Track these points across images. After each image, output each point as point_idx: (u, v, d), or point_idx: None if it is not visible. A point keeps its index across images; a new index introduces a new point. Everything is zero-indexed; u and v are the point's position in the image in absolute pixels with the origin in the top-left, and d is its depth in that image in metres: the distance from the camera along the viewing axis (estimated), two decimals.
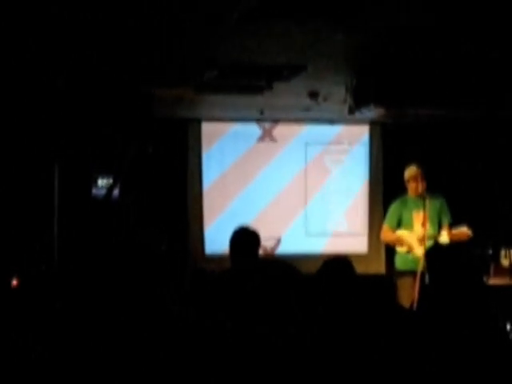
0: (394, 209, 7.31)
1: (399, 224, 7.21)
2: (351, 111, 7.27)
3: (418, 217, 7.05)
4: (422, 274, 6.45)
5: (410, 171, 7.13)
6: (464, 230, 6.82)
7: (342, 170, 9.47)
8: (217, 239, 8.83)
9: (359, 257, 8.61)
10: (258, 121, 9.24)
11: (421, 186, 7.03)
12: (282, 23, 5.13)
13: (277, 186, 9.34)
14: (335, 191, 9.45)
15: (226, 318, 3.24)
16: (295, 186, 9.37)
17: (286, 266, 3.03)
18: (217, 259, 8.36)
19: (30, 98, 7.13)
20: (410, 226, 7.11)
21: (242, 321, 2.78)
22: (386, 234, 7.37)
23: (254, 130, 9.32)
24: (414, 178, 7.07)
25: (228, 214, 9.19)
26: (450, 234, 6.86)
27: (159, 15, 4.95)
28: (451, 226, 7.03)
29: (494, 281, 7.18)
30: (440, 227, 7.06)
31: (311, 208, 9.40)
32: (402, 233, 7.16)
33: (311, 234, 9.37)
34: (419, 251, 6.86)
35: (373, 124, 9.31)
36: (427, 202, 6.96)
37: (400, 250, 7.20)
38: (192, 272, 8.77)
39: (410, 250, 7.03)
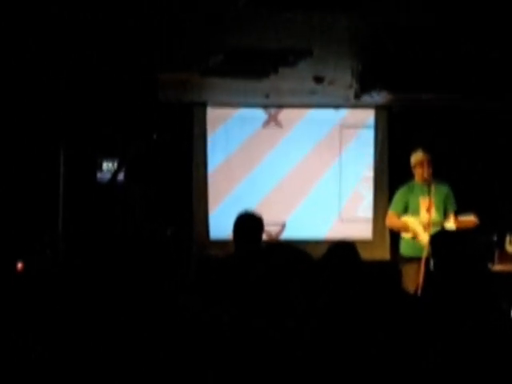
0: (400, 194, 7.30)
1: (405, 210, 7.20)
2: (357, 96, 7.25)
3: (424, 203, 7.04)
4: (427, 260, 6.44)
5: (417, 157, 7.11)
6: (471, 218, 6.80)
7: (347, 155, 9.44)
8: (221, 224, 8.83)
9: (364, 243, 8.59)
10: (264, 106, 9.21)
11: (427, 172, 7.00)
12: (287, 10, 5.11)
13: (282, 171, 9.32)
14: (340, 176, 9.42)
15: (224, 309, 3.23)
16: (300, 171, 9.34)
17: (292, 252, 3.01)
18: (221, 244, 8.36)
19: (34, 83, 7.12)
20: (416, 212, 7.10)
21: (240, 312, 2.77)
22: (392, 219, 7.35)
23: (259, 114, 9.30)
24: (420, 164, 7.05)
25: (233, 198, 9.18)
26: (456, 220, 6.84)
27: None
28: (456, 213, 7.01)
29: (498, 267, 7.17)
30: (446, 214, 7.05)
31: (316, 193, 9.38)
32: (407, 219, 7.14)
33: (316, 220, 9.35)
34: (425, 237, 6.85)
35: (379, 109, 9.27)
36: (433, 188, 6.95)
37: (405, 235, 7.19)
38: (197, 260, 8.78)
39: (415, 236, 7.02)
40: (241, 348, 2.72)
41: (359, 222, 9.42)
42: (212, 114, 9.21)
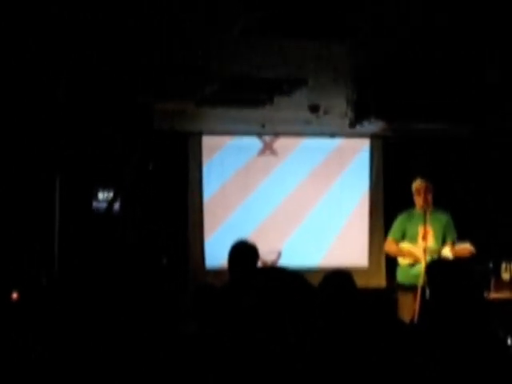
0: (399, 221, 7.31)
1: (403, 237, 7.21)
2: (352, 124, 7.28)
3: (422, 230, 7.04)
4: (423, 289, 6.44)
5: (415, 184, 7.14)
6: (467, 247, 6.81)
7: (342, 183, 9.45)
8: (217, 252, 8.83)
9: (360, 270, 8.59)
10: (259, 134, 9.24)
11: (423, 200, 7.02)
12: (281, 39, 5.15)
13: (276, 198, 9.33)
14: (335, 204, 9.43)
15: (223, 335, 3.23)
16: (295, 198, 9.35)
17: (287, 276, 3.01)
18: (217, 272, 8.36)
19: (30, 110, 7.14)
20: (414, 240, 7.09)
21: (238, 338, 2.77)
22: (390, 245, 7.36)
23: (254, 143, 9.32)
24: (418, 191, 7.08)
25: (228, 226, 9.18)
26: (452, 249, 6.85)
27: (160, 28, 4.97)
28: (454, 242, 7.02)
29: (494, 295, 7.16)
30: (444, 243, 7.05)
31: (311, 221, 9.38)
32: (405, 245, 7.15)
33: (311, 247, 9.33)
34: (421, 264, 6.85)
35: (374, 137, 9.30)
36: (429, 216, 6.95)
37: (402, 262, 7.19)
38: (194, 288, 8.77)
39: (415, 261, 7.00)
40: (241, 372, 2.71)
41: (354, 250, 9.41)
42: (207, 142, 9.23)
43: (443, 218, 7.16)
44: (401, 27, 4.94)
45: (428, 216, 6.96)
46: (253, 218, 9.25)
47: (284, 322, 2.78)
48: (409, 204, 7.23)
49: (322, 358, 3.26)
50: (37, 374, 4.29)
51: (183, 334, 4.20)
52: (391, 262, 7.77)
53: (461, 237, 7.01)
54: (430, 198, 7.05)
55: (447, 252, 6.85)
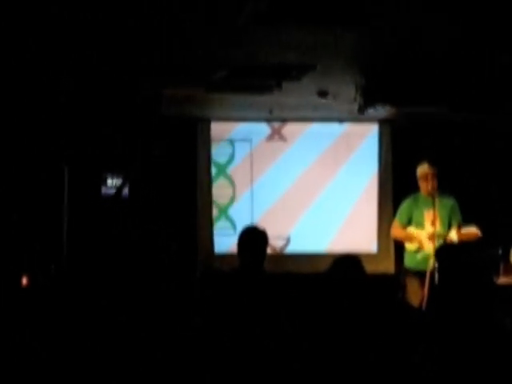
0: (405, 206, 7.30)
1: (409, 221, 7.21)
2: (360, 110, 7.27)
3: (428, 215, 7.03)
4: (432, 274, 6.44)
5: (422, 170, 7.11)
6: (473, 230, 6.81)
7: (350, 168, 9.44)
8: (225, 238, 8.88)
9: (368, 256, 8.59)
10: (268, 120, 9.23)
11: (431, 185, 7.00)
12: (290, 25, 5.14)
13: (285, 184, 9.33)
14: (343, 189, 9.42)
15: (226, 324, 3.25)
16: (303, 183, 9.35)
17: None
18: (226, 257, 8.38)
19: (39, 99, 7.15)
20: (420, 224, 7.09)
21: (241, 328, 2.79)
22: (396, 230, 7.36)
23: (263, 128, 9.31)
24: (425, 177, 7.06)
25: (236, 211, 9.21)
26: (458, 233, 6.85)
27: (170, 15, 4.96)
28: (460, 226, 7.02)
29: (503, 280, 7.15)
30: (450, 227, 7.05)
31: (319, 206, 9.38)
32: (412, 230, 7.15)
33: (319, 232, 9.34)
34: (429, 248, 6.85)
35: (382, 122, 9.28)
36: (437, 200, 6.94)
37: (409, 247, 7.19)
38: (201, 274, 8.78)
39: (420, 247, 7.01)
40: (241, 361, 2.73)
41: (363, 235, 9.41)
42: (216, 128, 9.22)
43: (449, 202, 7.14)
44: (409, 13, 4.93)
45: (436, 201, 6.95)
46: (261, 203, 9.27)
47: (291, 310, 2.80)
48: (417, 188, 7.22)
49: (330, 342, 3.28)
50: (44, 362, 4.30)
51: (189, 324, 4.21)
52: (399, 248, 7.77)
53: (470, 222, 7.00)
54: (436, 183, 7.03)
55: (453, 235, 6.84)
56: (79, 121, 7.76)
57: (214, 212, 9.22)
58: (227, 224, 9.16)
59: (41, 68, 6.40)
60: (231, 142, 9.27)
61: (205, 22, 5.13)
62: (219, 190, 9.26)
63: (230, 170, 9.29)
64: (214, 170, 9.22)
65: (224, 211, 9.29)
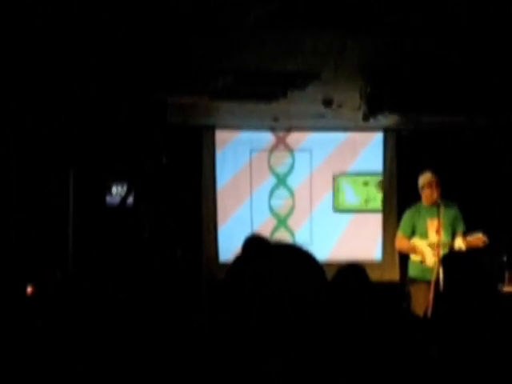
0: (407, 216, 7.30)
1: (413, 232, 7.20)
2: (365, 118, 7.28)
3: (432, 225, 7.03)
4: (437, 282, 6.43)
5: (424, 178, 7.11)
6: (479, 237, 6.80)
7: (354, 174, 9.46)
8: (228, 244, 8.88)
9: (372, 264, 8.61)
10: (272, 128, 9.24)
11: (435, 194, 7.01)
12: (296, 32, 5.15)
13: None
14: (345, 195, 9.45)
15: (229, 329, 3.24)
16: (304, 191, 9.37)
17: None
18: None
19: (45, 105, 7.16)
20: (424, 234, 7.09)
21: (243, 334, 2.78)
22: (401, 241, 7.35)
23: (267, 137, 9.32)
24: (429, 185, 7.05)
25: (239, 219, 9.23)
26: (465, 240, 6.84)
27: (174, 22, 4.97)
28: (465, 233, 7.01)
29: (508, 288, 7.15)
30: (454, 235, 7.04)
31: (321, 213, 9.40)
32: (416, 241, 7.14)
33: (322, 240, 9.34)
34: (432, 261, 6.85)
35: (387, 131, 9.29)
36: (441, 209, 6.93)
37: (414, 256, 7.19)
38: (207, 284, 8.78)
39: (423, 260, 7.01)
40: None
41: (366, 243, 9.40)
42: (221, 136, 9.25)
43: (452, 210, 7.14)
44: (413, 21, 4.94)
45: (441, 210, 6.94)
46: (262, 211, 9.31)
47: (294, 314, 2.79)
48: (421, 198, 7.22)
49: (334, 352, 3.27)
50: (50, 367, 4.31)
51: (195, 325, 4.20)
52: (404, 256, 7.77)
53: (474, 230, 6.99)
54: (439, 191, 7.03)
55: (460, 243, 6.83)
56: (84, 129, 7.77)
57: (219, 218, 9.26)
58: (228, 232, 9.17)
59: (48, 75, 6.42)
60: (236, 151, 9.29)
61: (209, 29, 5.14)
62: (225, 197, 9.30)
63: (234, 177, 9.31)
64: (219, 178, 9.25)
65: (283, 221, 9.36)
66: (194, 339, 3.81)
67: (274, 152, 9.35)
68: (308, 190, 9.38)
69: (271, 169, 9.35)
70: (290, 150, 9.36)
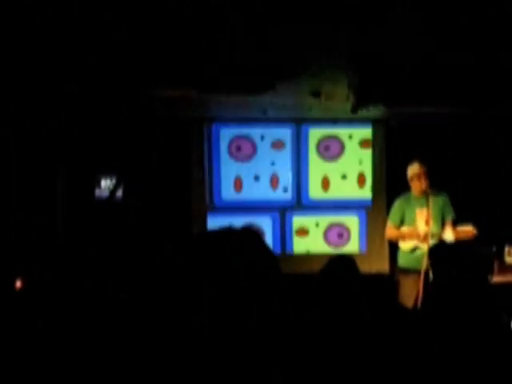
0: (397, 206, 7.32)
1: (402, 221, 7.22)
2: (354, 109, 7.27)
3: (421, 214, 7.05)
4: (426, 273, 6.44)
5: (413, 169, 7.12)
6: (469, 229, 6.81)
7: (342, 168, 9.46)
8: None
9: (360, 256, 8.64)
10: (262, 121, 9.23)
11: (424, 184, 7.02)
12: (284, 25, 5.14)
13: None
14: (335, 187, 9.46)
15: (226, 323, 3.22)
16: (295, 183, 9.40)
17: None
18: None
19: (33, 100, 7.14)
20: (413, 224, 7.10)
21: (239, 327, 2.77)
22: (390, 230, 7.37)
23: (257, 129, 9.33)
24: (417, 176, 7.07)
25: (229, 214, 9.24)
26: (454, 231, 6.85)
27: (162, 16, 4.96)
28: (455, 222, 7.02)
29: (497, 278, 7.16)
30: (443, 224, 7.06)
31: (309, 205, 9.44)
32: (406, 230, 7.15)
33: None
34: (424, 247, 6.86)
35: (376, 122, 9.28)
36: (430, 199, 6.95)
37: (403, 246, 7.19)
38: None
39: (418, 244, 7.01)
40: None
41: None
42: (210, 128, 9.23)
43: (440, 199, 7.15)
44: (402, 15, 4.93)
45: (430, 199, 6.96)
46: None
47: (284, 307, 2.78)
48: (410, 188, 7.24)
49: (325, 342, 3.27)
50: (40, 365, 4.29)
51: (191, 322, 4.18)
52: (393, 247, 7.78)
53: (464, 221, 7.00)
54: (427, 181, 7.05)
55: (449, 234, 6.84)
56: (73, 123, 7.75)
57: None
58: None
59: (36, 71, 6.39)
60: (226, 143, 9.30)
61: (198, 22, 5.13)
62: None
63: (225, 170, 9.31)
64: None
65: None
66: (192, 332, 3.81)
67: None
68: None
69: None
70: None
